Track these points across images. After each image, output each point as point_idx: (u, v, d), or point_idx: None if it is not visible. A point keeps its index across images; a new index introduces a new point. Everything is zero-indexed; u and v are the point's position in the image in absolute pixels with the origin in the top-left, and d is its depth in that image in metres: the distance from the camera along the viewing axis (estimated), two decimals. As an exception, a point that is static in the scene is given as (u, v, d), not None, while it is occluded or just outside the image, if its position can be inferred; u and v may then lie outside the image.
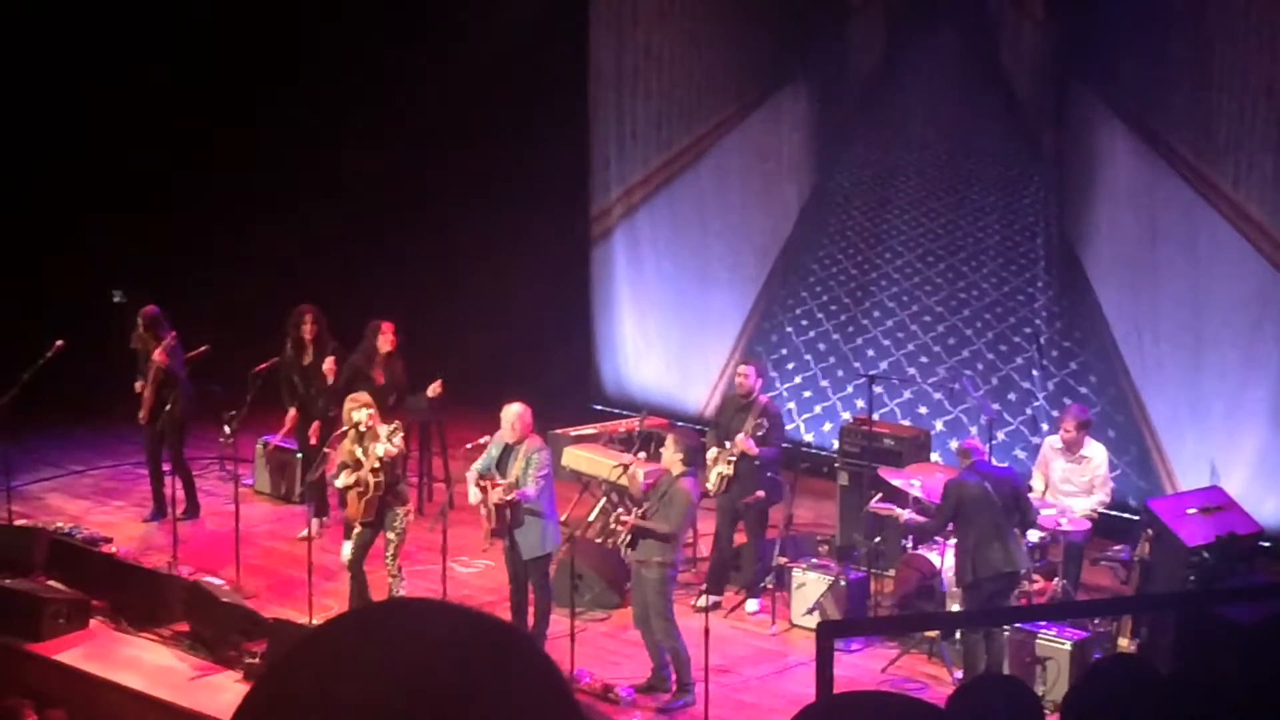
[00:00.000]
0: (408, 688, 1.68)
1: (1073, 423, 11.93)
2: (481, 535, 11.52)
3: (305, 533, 12.42)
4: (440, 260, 16.77)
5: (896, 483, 12.14)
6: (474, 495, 11.33)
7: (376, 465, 11.40)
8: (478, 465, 11.44)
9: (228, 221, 17.55)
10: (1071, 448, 11.94)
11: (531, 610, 11.36)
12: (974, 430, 13.82)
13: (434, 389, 12.87)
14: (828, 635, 3.66)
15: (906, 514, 11.54)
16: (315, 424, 13.40)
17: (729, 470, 12.22)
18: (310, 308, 13.60)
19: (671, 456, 10.99)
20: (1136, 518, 12.09)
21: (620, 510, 12.12)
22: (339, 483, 11.67)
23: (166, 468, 13.73)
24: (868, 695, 3.21)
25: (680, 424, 14.50)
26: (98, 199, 16.98)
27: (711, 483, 12.31)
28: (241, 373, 13.46)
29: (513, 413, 11.32)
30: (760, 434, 12.23)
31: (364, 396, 11.80)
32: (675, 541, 10.90)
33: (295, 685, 1.73)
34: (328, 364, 13.31)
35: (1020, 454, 13.99)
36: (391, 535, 11.59)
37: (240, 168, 17.44)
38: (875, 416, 13.28)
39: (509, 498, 11.14)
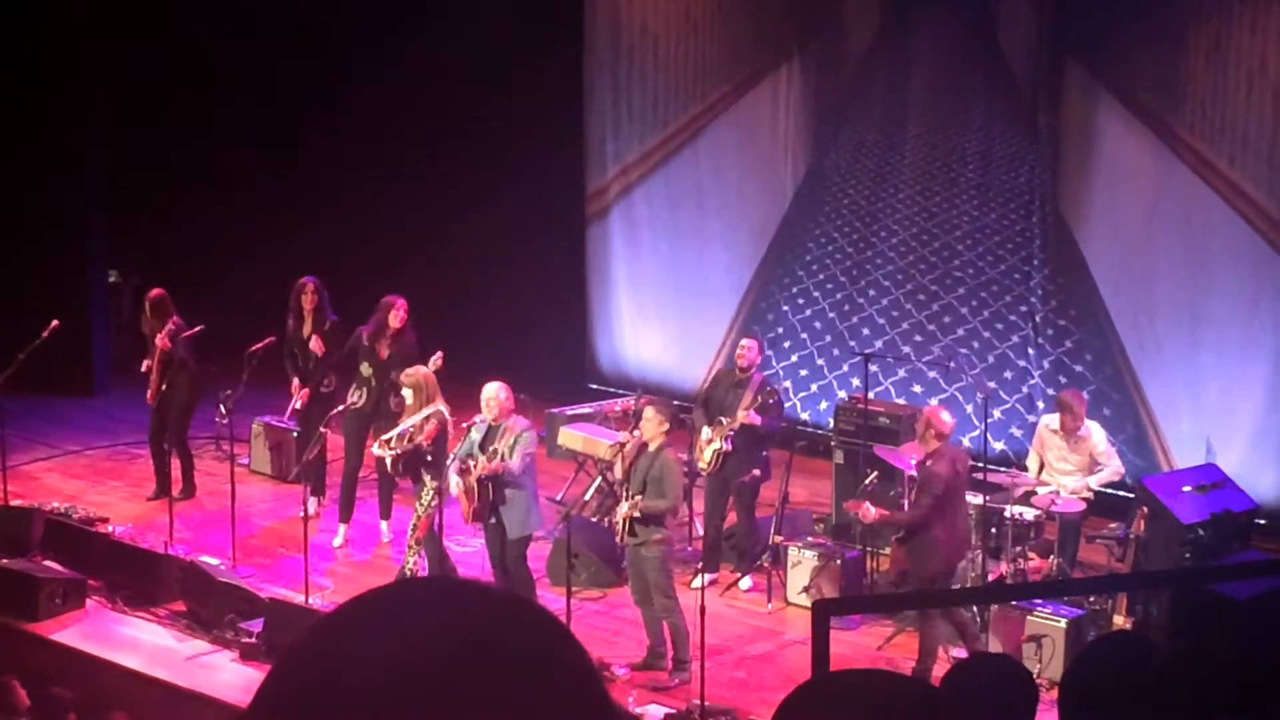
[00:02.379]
0: (430, 670, 1.61)
1: (1081, 409, 11.95)
2: (462, 516, 11.43)
3: (303, 512, 12.42)
4: (435, 239, 16.72)
5: (891, 461, 12.15)
6: (454, 484, 11.21)
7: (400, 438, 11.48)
8: (457, 451, 11.33)
9: (224, 201, 17.53)
10: (1073, 431, 11.96)
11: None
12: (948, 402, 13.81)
13: (435, 362, 12.85)
14: (824, 613, 3.67)
15: (872, 510, 10.96)
16: (304, 391, 13.43)
17: (726, 446, 12.13)
18: (312, 279, 13.60)
19: (656, 430, 10.84)
20: (1132, 495, 12.10)
21: (620, 505, 12.02)
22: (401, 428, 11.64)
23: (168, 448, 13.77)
24: (863, 673, 3.22)
25: (675, 402, 14.48)
26: (96, 178, 16.94)
27: (706, 460, 12.21)
28: (238, 353, 13.45)
29: (490, 391, 11.21)
30: (765, 403, 12.15)
31: (417, 377, 11.70)
32: (674, 515, 10.86)
33: (313, 670, 1.65)
34: (314, 343, 13.31)
35: (1016, 431, 14.01)
36: (418, 507, 11.57)
37: (235, 143, 17.41)
38: (871, 395, 13.29)
39: (492, 465, 11.00)
